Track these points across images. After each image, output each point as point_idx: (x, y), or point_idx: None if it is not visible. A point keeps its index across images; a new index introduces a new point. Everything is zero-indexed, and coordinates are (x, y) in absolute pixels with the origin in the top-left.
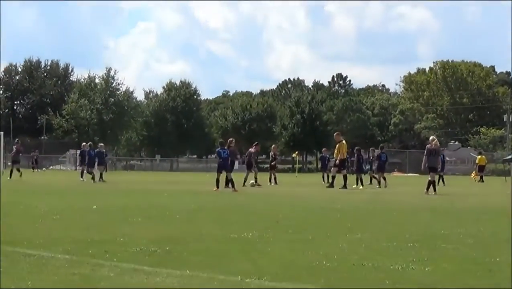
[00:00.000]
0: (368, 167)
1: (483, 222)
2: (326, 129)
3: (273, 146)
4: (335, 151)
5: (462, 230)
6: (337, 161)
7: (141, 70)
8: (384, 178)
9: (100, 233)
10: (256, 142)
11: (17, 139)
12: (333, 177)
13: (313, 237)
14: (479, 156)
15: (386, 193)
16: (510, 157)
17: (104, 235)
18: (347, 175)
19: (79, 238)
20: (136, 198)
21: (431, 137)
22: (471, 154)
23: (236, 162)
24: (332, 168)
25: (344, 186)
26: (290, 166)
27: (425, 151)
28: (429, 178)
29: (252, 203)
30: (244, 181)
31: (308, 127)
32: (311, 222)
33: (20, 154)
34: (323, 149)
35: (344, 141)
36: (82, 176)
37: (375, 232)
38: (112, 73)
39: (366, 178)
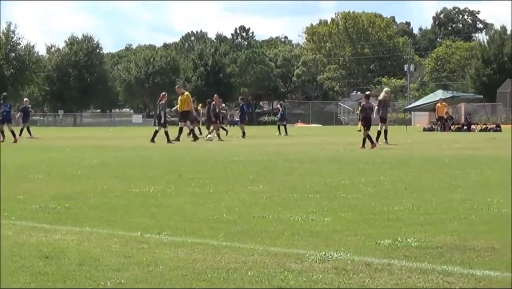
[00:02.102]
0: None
1: (383, 171)
2: (229, 81)
3: (215, 96)
4: (179, 103)
5: (362, 179)
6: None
7: (43, 25)
8: (243, 130)
9: None
10: (215, 95)
11: None
12: (180, 130)
13: (214, 190)
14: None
15: (289, 144)
16: (410, 106)
17: (3, 193)
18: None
19: None
20: (37, 155)
21: (385, 89)
22: (340, 104)
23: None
24: (180, 122)
25: (177, 138)
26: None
27: (378, 102)
28: (378, 128)
29: (155, 157)
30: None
31: (212, 80)
32: (214, 175)
33: None
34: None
35: (187, 93)
36: (21, 133)
37: (277, 183)
38: (12, 27)
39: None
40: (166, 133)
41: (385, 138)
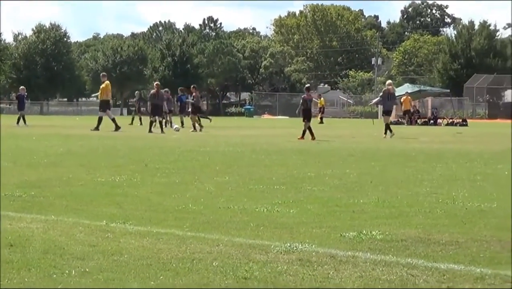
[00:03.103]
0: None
1: (350, 164)
2: (197, 72)
3: (193, 86)
4: (100, 91)
5: (328, 172)
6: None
7: (10, 12)
8: (182, 121)
9: None
10: (193, 85)
11: None
12: (100, 119)
13: (180, 180)
14: (320, 99)
15: (255, 136)
16: (377, 99)
17: None
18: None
19: None
20: (3, 142)
21: (388, 81)
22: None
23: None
24: (99, 111)
25: (96, 128)
26: None
27: (382, 95)
28: (385, 121)
29: (122, 147)
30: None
31: (179, 70)
32: (180, 165)
33: None
34: (165, 90)
35: (107, 82)
36: (18, 122)
37: (243, 174)
38: None
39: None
40: (161, 123)
41: (390, 130)
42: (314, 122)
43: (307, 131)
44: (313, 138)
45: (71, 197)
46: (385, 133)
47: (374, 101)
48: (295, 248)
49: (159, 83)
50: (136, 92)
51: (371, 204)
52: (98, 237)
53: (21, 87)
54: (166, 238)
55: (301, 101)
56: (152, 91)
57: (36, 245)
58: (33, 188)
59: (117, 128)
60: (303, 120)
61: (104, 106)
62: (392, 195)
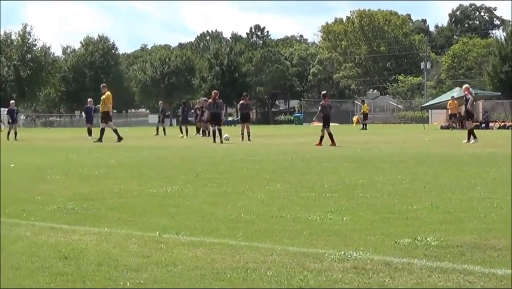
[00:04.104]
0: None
1: (401, 170)
2: (245, 80)
3: (245, 94)
4: (101, 103)
5: (380, 178)
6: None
7: (58, 26)
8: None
9: (17, 192)
10: (244, 93)
11: None
12: (102, 130)
13: (232, 190)
14: (363, 105)
15: (305, 143)
16: (427, 104)
17: (22, 194)
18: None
19: None
20: (54, 155)
21: (465, 85)
22: (356, 102)
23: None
24: (101, 123)
25: (99, 139)
26: None
27: (470, 102)
28: (468, 127)
29: (172, 157)
30: (248, 135)
31: (227, 79)
32: (231, 175)
33: None
34: (204, 99)
35: (108, 93)
36: (90, 134)
37: (294, 183)
38: (28, 29)
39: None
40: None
41: (471, 137)
42: (356, 129)
43: (327, 137)
44: (333, 143)
45: (123, 209)
46: (468, 139)
47: (469, 106)
48: (349, 256)
49: (217, 92)
50: (160, 102)
51: (425, 210)
52: (151, 248)
53: (89, 99)
54: (219, 248)
55: (319, 108)
56: (210, 101)
57: (90, 257)
58: (85, 201)
59: (119, 139)
60: (323, 126)
61: (106, 117)
62: (446, 200)
